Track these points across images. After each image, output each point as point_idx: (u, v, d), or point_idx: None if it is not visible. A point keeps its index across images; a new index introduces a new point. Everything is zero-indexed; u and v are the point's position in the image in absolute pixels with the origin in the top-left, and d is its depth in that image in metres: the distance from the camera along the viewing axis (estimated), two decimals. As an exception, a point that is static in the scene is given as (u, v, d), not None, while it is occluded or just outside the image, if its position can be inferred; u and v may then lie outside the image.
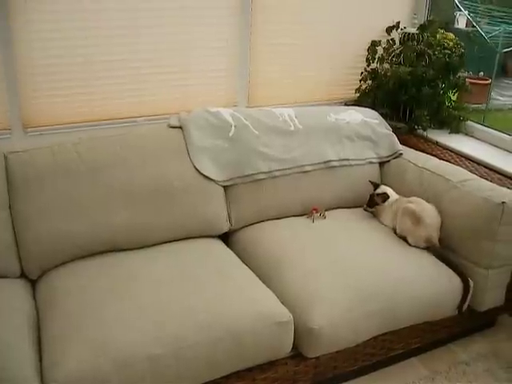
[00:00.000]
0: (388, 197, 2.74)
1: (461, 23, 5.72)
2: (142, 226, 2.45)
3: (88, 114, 2.83)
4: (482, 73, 5.63)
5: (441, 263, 2.52)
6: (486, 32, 5.34)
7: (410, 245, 2.58)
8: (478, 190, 2.56)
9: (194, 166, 2.56)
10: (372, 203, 2.78)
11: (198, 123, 2.66)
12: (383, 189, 2.79)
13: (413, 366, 2.59)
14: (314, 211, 2.73)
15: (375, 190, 2.80)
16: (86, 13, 2.65)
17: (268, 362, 2.16)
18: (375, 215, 2.79)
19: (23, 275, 2.30)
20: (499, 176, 2.81)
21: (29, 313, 2.08)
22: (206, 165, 2.59)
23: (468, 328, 2.75)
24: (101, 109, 2.85)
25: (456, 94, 3.49)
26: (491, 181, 2.72)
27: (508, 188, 2.63)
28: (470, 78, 4.90)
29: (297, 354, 2.21)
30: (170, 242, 2.51)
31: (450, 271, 2.51)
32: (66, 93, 2.75)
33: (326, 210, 2.78)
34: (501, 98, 6.07)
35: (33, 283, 2.30)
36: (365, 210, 2.82)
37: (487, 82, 5.36)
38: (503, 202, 2.43)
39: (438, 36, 3.40)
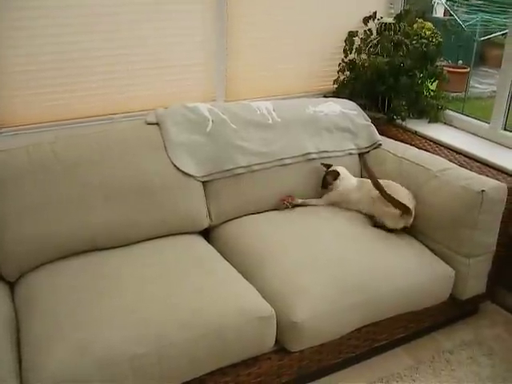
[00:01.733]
0: (338, 174, 2.75)
1: (439, 12, 5.74)
2: (122, 224, 2.42)
3: (64, 112, 2.78)
4: (460, 61, 5.66)
5: (423, 252, 2.54)
6: (464, 21, 5.36)
7: (388, 230, 2.59)
8: (457, 179, 2.56)
9: (173, 163, 2.54)
10: (324, 183, 2.79)
11: (175, 119, 2.63)
12: (334, 168, 2.81)
13: (397, 356, 2.59)
14: (286, 200, 2.74)
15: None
16: (61, 10, 2.60)
17: (252, 357, 2.15)
18: (342, 204, 2.77)
19: (1, 278, 2.26)
20: (478, 164, 2.82)
21: (6, 315, 2.05)
22: (185, 161, 2.56)
23: (451, 316, 2.77)
24: (77, 107, 2.81)
25: (435, 83, 3.49)
26: (470, 169, 2.72)
27: (487, 176, 2.63)
28: (449, 67, 4.92)
29: (280, 348, 2.21)
30: (150, 239, 2.48)
31: (433, 260, 2.53)
32: (41, 91, 2.70)
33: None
34: (479, 86, 6.12)
35: (11, 285, 2.26)
36: (321, 193, 2.82)
37: (466, 70, 5.39)
38: (483, 191, 2.44)
39: (415, 25, 3.39)
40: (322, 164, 2.84)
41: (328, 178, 2.77)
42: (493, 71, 5.96)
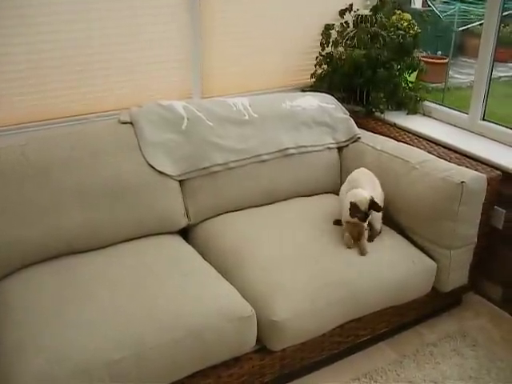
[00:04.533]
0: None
1: (417, 3, 5.74)
2: (97, 227, 2.38)
3: (35, 114, 2.72)
4: (439, 52, 5.67)
5: (404, 245, 2.54)
6: (441, 11, 5.37)
7: None
8: (436, 171, 2.55)
9: (148, 162, 2.49)
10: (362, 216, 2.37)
11: (150, 118, 2.59)
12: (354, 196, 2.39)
13: (381, 350, 2.58)
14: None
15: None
16: (29, 8, 2.54)
17: (233, 358, 2.12)
18: None
19: (-27, 286, 2.21)
20: (457, 155, 2.80)
21: (-20, 324, 2.01)
22: (160, 160, 2.52)
23: (435, 309, 2.76)
24: (49, 108, 2.75)
25: (415, 74, 3.47)
26: (450, 160, 2.71)
27: (466, 167, 2.62)
28: (428, 58, 4.93)
29: (262, 347, 2.19)
30: (128, 240, 2.44)
31: (414, 253, 2.52)
32: (11, 93, 2.64)
33: (285, 199, 2.77)
34: (459, 77, 6.13)
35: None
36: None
37: (445, 61, 5.40)
38: (462, 182, 2.42)
39: (394, 17, 3.37)
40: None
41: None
42: (472, 61, 5.95)
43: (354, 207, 2.32)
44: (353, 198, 2.36)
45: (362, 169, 2.66)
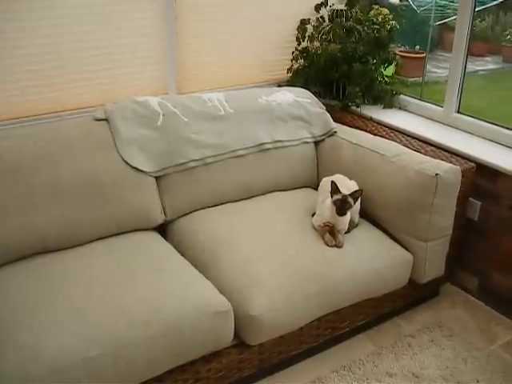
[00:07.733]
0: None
1: (394, -3, 5.74)
2: (72, 224, 2.36)
3: (8, 111, 2.68)
4: (417, 46, 5.69)
5: (380, 238, 2.55)
6: (418, 5, 5.39)
7: None
8: (412, 164, 2.56)
9: (123, 159, 2.48)
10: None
11: (124, 114, 2.57)
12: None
13: (360, 342, 2.60)
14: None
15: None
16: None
17: (211, 353, 2.12)
18: None
19: None
20: (432, 148, 2.83)
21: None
22: (136, 156, 2.51)
23: (412, 300, 2.78)
24: (21, 106, 2.71)
25: (390, 69, 3.48)
26: (425, 153, 2.73)
27: (441, 160, 2.65)
28: (406, 52, 4.94)
29: (240, 342, 2.19)
30: (104, 238, 2.43)
31: (390, 245, 2.54)
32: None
33: (262, 194, 2.76)
34: (437, 71, 6.16)
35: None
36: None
37: (423, 55, 5.43)
38: (437, 174, 2.45)
39: (372, 12, 3.38)
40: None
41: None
42: (450, 55, 5.99)
43: (333, 185, 2.42)
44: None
45: (336, 176, 2.65)
